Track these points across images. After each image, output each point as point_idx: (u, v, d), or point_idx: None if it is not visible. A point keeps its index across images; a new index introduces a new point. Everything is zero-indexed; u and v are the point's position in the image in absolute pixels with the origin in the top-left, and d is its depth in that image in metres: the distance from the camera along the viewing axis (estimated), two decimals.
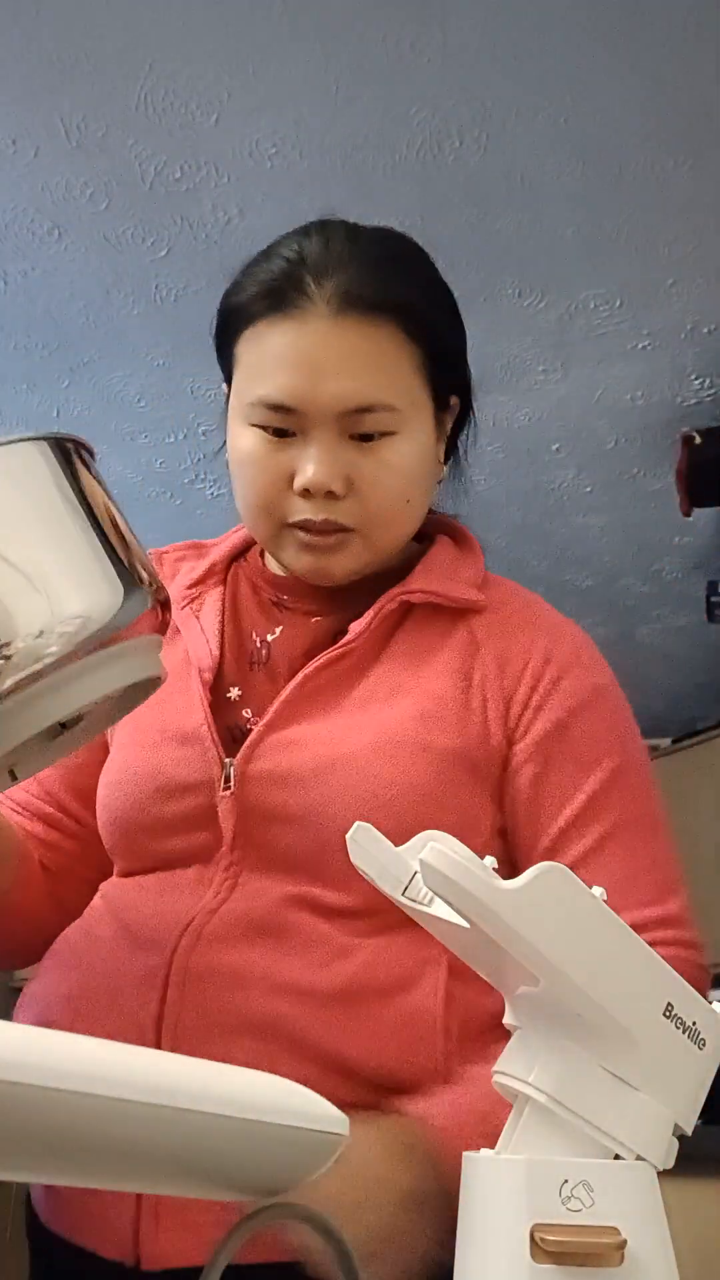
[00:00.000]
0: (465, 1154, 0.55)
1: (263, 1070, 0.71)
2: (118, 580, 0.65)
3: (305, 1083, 0.72)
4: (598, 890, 0.54)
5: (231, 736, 0.86)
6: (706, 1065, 0.57)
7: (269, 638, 0.92)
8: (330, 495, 0.85)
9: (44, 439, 0.67)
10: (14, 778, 0.73)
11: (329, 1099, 0.71)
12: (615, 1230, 0.51)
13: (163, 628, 0.70)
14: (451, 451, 0.97)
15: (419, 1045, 0.77)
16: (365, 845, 0.60)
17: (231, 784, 0.82)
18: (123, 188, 2.21)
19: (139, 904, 0.84)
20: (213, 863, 0.83)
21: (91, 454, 0.71)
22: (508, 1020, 0.58)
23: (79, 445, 0.69)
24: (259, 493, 0.88)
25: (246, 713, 0.88)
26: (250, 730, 0.85)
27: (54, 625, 0.62)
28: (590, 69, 1.93)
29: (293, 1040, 0.76)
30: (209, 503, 3.20)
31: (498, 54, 1.89)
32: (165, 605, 0.70)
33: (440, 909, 0.57)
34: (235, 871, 0.82)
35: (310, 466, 0.85)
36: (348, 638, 0.88)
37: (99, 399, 2.81)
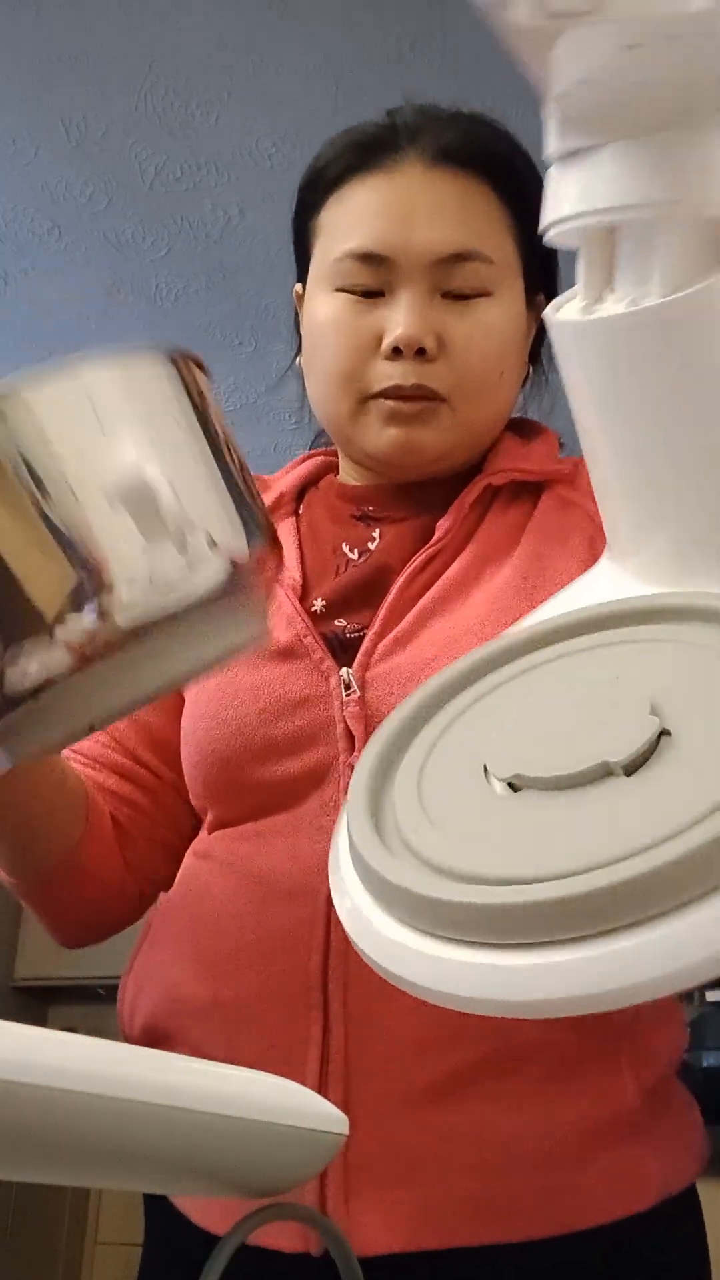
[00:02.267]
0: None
1: (447, 1013, 0.68)
2: (242, 520, 0.53)
3: (492, 1019, 0.68)
4: None
5: (331, 648, 0.80)
6: None
7: (370, 545, 0.86)
8: (421, 355, 0.79)
9: (169, 355, 0.56)
10: (91, 728, 0.66)
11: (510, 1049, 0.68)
12: None
13: (272, 581, 0.60)
14: (534, 361, 0.92)
15: None
16: None
17: (355, 689, 0.77)
18: (123, 188, 2.21)
19: (263, 852, 0.77)
20: (329, 782, 0.76)
21: (209, 374, 0.60)
22: None
23: (200, 363, 0.59)
24: (342, 359, 0.81)
25: (339, 622, 0.82)
26: (350, 637, 0.80)
27: (167, 570, 0.49)
28: None
29: None
30: None
31: (498, 54, 1.89)
32: (278, 550, 0.58)
33: None
34: None
35: (401, 320, 0.79)
36: (436, 537, 0.82)
37: None
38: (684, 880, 0.37)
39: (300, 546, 0.88)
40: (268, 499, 0.90)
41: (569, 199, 0.51)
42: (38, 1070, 0.32)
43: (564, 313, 0.54)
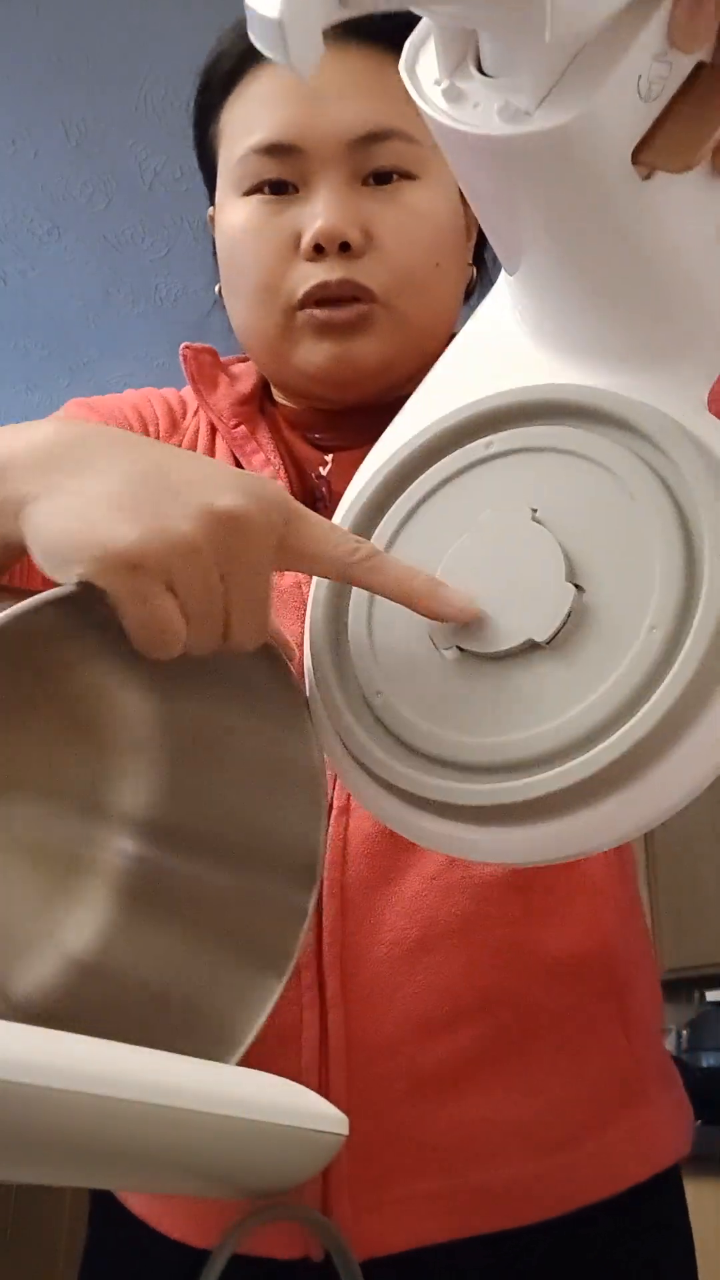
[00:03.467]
0: None
1: (453, 986, 0.63)
2: None
3: (500, 991, 0.65)
4: None
5: None
6: None
7: (323, 471, 0.77)
8: (345, 250, 0.70)
9: None
10: None
11: (522, 1001, 0.66)
12: None
13: None
14: (478, 263, 0.81)
15: (603, 912, 0.69)
16: None
17: None
18: (123, 188, 2.21)
19: None
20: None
21: None
22: None
23: None
24: (260, 268, 0.72)
25: None
26: None
27: None
28: None
29: (490, 943, 0.66)
30: None
31: None
32: None
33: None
34: None
35: (320, 211, 0.69)
36: None
37: None
38: (627, 768, 0.43)
39: (282, 457, 0.77)
40: (243, 385, 0.81)
41: None
42: (38, 1070, 0.32)
43: (430, 96, 0.46)
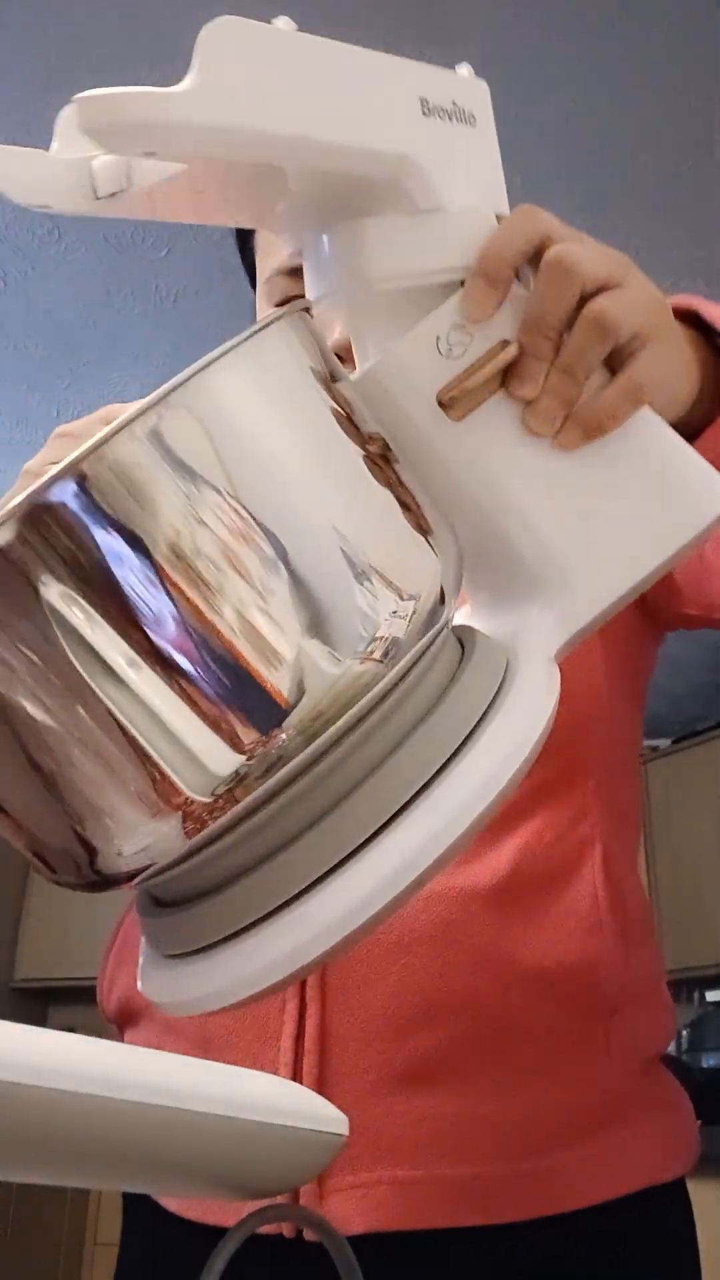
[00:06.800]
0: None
1: (426, 987, 0.67)
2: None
3: (474, 995, 0.67)
4: None
5: None
6: None
7: None
8: None
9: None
10: None
11: (500, 1010, 0.68)
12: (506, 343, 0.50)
13: None
14: None
15: (590, 936, 0.71)
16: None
17: None
18: None
19: None
20: None
21: None
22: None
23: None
24: None
25: None
26: None
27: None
28: (590, 69, 1.93)
29: (467, 949, 0.69)
30: None
31: (498, 54, 1.89)
32: None
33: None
34: None
35: (336, 326, 0.73)
36: None
37: (99, 399, 2.80)
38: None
39: None
40: None
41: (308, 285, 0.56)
42: (38, 1070, 0.32)
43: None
